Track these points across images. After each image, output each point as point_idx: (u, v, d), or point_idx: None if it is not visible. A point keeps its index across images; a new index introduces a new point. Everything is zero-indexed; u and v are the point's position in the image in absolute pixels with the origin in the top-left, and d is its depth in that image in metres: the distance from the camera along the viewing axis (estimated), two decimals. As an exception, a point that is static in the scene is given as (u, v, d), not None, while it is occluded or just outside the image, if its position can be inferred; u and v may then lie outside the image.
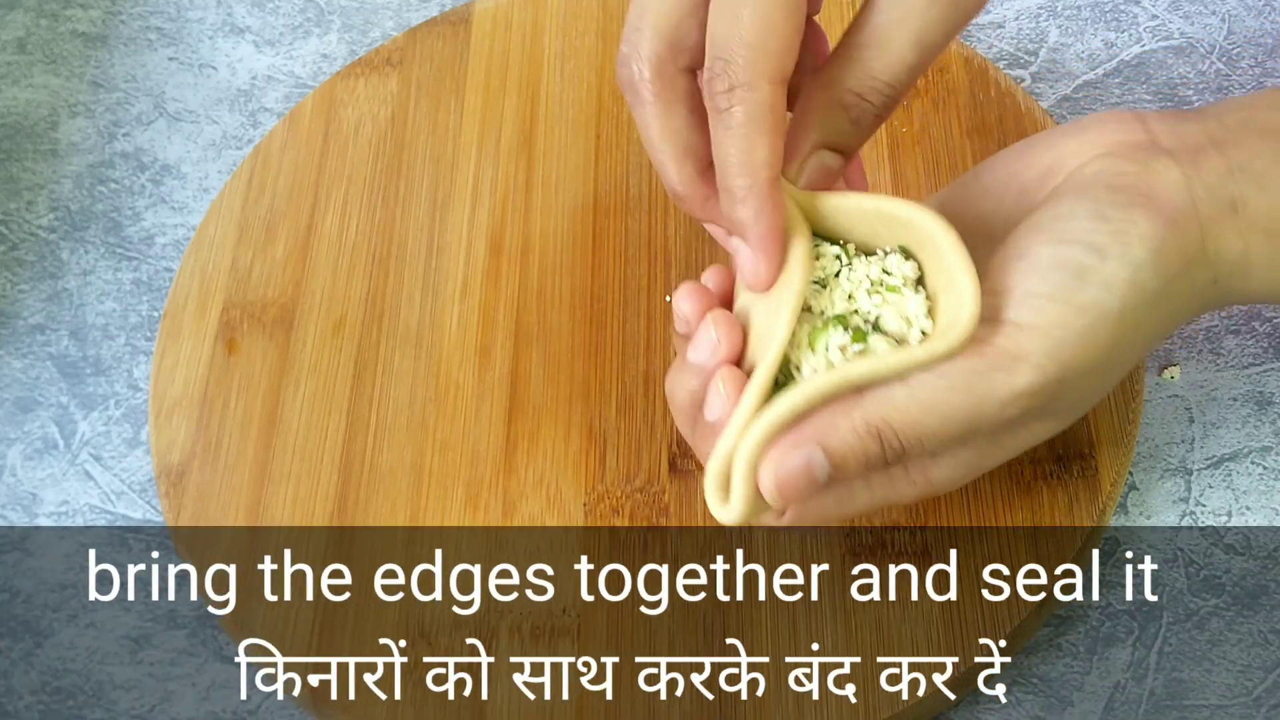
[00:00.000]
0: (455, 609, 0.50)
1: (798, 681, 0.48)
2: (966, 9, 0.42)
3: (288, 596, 0.51)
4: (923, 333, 0.42)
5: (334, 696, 0.49)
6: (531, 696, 0.49)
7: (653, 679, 0.49)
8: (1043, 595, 0.49)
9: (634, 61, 0.43)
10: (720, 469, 0.42)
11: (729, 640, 0.49)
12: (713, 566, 0.51)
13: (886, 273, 0.42)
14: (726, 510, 0.42)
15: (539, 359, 0.56)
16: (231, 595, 0.51)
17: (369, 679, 0.49)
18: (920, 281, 0.43)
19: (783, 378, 0.42)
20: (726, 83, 0.40)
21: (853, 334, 0.41)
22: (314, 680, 0.49)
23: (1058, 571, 0.50)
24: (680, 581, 0.50)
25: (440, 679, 0.49)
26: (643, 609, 0.50)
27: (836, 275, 0.43)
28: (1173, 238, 0.41)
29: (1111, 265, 0.41)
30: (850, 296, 0.42)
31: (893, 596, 0.49)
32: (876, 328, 0.42)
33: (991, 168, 0.45)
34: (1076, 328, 0.40)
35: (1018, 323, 0.41)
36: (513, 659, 0.49)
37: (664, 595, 0.50)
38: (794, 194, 0.43)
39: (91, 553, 0.55)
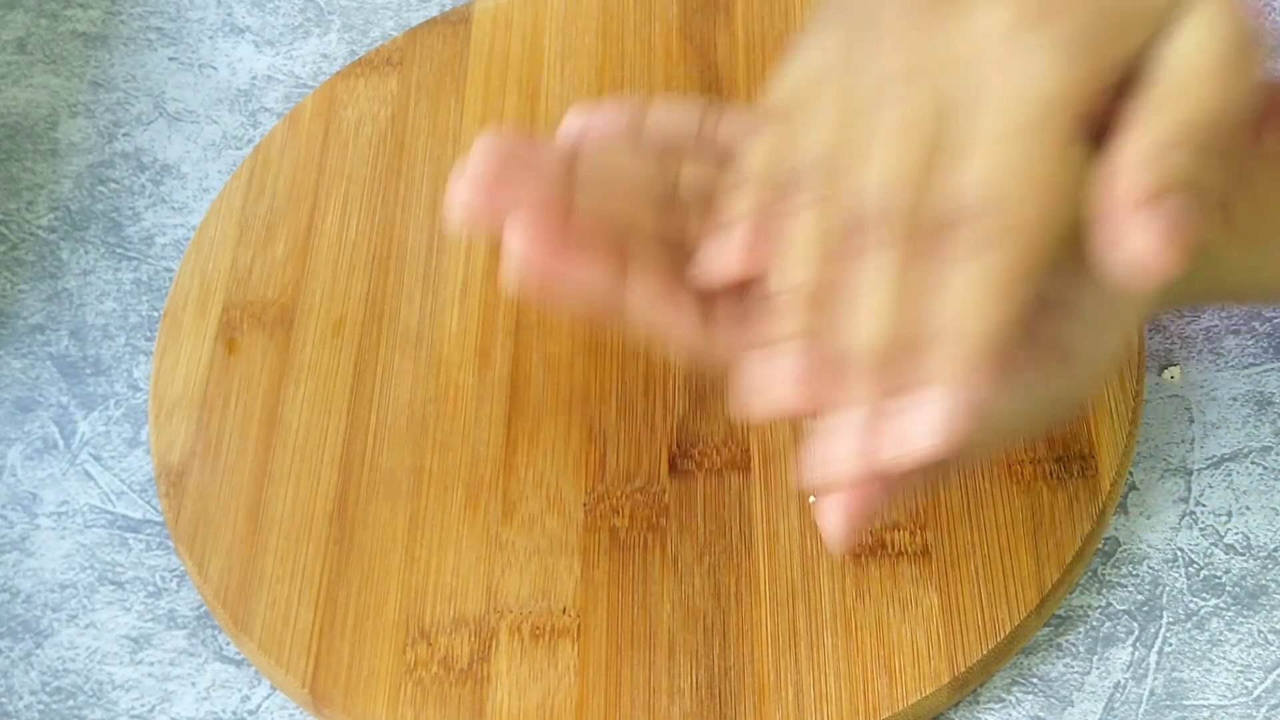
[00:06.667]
0: (455, 609, 0.50)
1: (798, 681, 0.48)
2: None
3: (288, 596, 0.51)
4: None
5: (334, 696, 0.49)
6: (532, 696, 0.49)
7: (653, 679, 0.49)
8: (1042, 595, 0.49)
9: None
10: None
11: (729, 641, 0.49)
12: (713, 566, 0.51)
13: None
14: None
15: (539, 359, 0.56)
16: (231, 595, 0.51)
17: (369, 679, 0.49)
18: None
19: None
20: None
21: None
22: (314, 680, 0.49)
23: (1057, 571, 0.50)
24: (680, 581, 0.50)
25: (440, 679, 0.49)
26: (643, 609, 0.50)
27: None
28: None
29: None
30: None
31: (893, 596, 0.50)
32: None
33: None
34: None
35: None
36: (513, 659, 0.49)
37: (664, 595, 0.50)
38: None
39: (91, 553, 0.55)
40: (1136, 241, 0.35)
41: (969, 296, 0.36)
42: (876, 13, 0.38)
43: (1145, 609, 0.51)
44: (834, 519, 0.39)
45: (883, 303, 0.37)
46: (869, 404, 0.37)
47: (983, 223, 0.36)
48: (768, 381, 0.38)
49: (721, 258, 0.40)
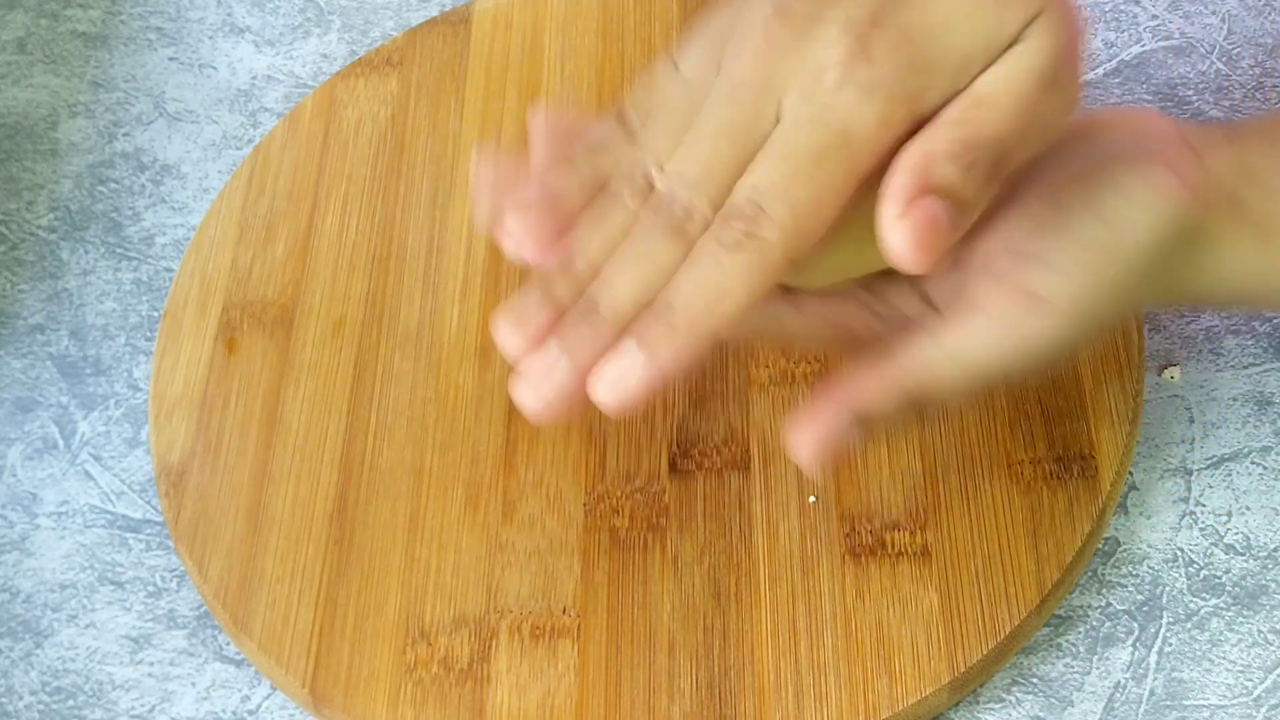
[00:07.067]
0: (455, 609, 0.50)
1: (798, 681, 0.48)
2: None
3: (288, 596, 0.51)
4: None
5: (334, 696, 0.49)
6: (532, 696, 0.49)
7: (653, 679, 0.49)
8: (1043, 595, 0.49)
9: None
10: None
11: (729, 641, 0.49)
12: (713, 566, 0.51)
13: None
14: None
15: (539, 359, 0.56)
16: (231, 595, 0.51)
17: (369, 679, 0.49)
18: None
19: None
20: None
21: None
22: (314, 680, 0.49)
23: (1057, 571, 0.50)
24: (680, 581, 0.50)
25: (440, 679, 0.49)
26: (643, 609, 0.50)
27: None
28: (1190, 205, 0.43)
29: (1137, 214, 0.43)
30: None
31: (893, 596, 0.49)
32: None
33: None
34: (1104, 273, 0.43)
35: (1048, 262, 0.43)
36: (513, 659, 0.49)
37: (664, 595, 0.50)
38: None
39: (91, 553, 0.55)
40: (894, 234, 0.39)
41: (704, 283, 0.39)
42: (745, 32, 0.41)
43: (1145, 609, 0.51)
44: (803, 438, 0.42)
45: (636, 272, 0.40)
46: (577, 343, 0.40)
47: (742, 223, 0.39)
48: (514, 325, 0.41)
49: (514, 239, 0.42)
